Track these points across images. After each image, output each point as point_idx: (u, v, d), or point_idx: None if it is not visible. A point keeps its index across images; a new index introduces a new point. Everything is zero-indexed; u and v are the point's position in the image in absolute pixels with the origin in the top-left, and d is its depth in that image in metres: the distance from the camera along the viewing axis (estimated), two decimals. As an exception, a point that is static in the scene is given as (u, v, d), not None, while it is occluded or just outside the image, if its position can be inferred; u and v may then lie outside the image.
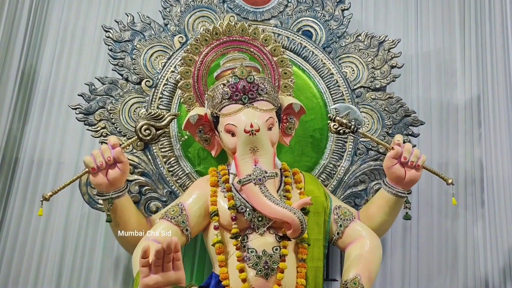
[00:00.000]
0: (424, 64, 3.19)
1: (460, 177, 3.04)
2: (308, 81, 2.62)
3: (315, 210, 2.15)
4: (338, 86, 2.63)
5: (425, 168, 2.19)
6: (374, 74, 2.63)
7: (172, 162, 2.49)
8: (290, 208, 1.92)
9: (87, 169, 2.02)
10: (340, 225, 2.18)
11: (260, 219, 2.06)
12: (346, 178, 2.57)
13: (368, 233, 2.14)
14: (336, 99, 2.62)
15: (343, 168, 2.56)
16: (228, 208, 2.09)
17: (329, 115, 2.31)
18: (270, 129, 2.12)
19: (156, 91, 2.51)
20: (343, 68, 2.65)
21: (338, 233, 2.18)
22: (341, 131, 2.27)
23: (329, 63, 2.64)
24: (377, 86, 2.61)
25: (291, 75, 2.37)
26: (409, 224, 2.93)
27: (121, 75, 2.47)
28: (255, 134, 2.03)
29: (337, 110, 2.30)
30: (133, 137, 2.14)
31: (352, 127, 2.26)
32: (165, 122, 2.22)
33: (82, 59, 2.99)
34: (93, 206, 2.40)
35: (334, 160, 2.57)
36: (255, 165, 2.03)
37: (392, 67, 2.62)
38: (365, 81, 2.64)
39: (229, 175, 2.18)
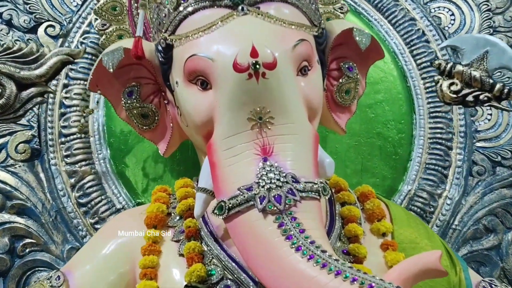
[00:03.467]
0: None
1: None
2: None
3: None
4: (426, 41, 1.48)
5: None
6: (493, 22, 1.53)
7: (87, 185, 1.31)
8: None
9: None
10: None
11: None
12: (456, 222, 1.39)
13: None
14: (423, 66, 1.47)
15: (448, 201, 1.39)
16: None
17: (436, 62, 1.06)
18: (303, 71, 0.92)
19: (67, 44, 1.39)
20: (433, 11, 1.52)
21: None
22: (469, 101, 1.04)
23: (406, 2, 1.52)
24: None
25: None
26: None
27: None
28: (264, 75, 0.83)
29: (457, 49, 1.07)
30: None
31: (501, 89, 1.01)
32: (44, 68, 0.95)
33: None
34: None
35: (430, 183, 1.39)
36: (265, 160, 0.83)
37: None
38: (476, 33, 1.53)
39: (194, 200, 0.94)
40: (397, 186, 1.37)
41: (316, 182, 0.82)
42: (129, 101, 1.01)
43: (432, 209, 1.35)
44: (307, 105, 0.89)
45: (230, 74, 0.82)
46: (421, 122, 1.38)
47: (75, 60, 1.00)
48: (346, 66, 1.05)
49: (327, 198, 0.86)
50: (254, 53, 0.81)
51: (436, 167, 1.37)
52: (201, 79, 0.88)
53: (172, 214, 1.04)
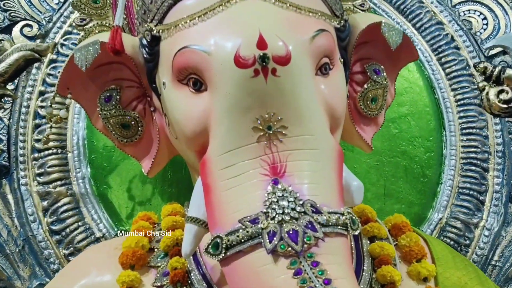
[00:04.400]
0: None
1: None
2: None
3: None
4: (456, 48, 1.34)
5: None
6: None
7: (62, 209, 1.14)
8: None
9: None
10: None
11: None
12: (496, 257, 1.22)
13: None
14: (453, 76, 1.32)
15: (486, 232, 1.23)
16: None
17: (481, 65, 0.95)
18: (324, 70, 0.73)
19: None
20: (462, 14, 1.38)
21: None
22: None
23: (432, 4, 1.38)
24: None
25: None
26: None
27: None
28: (274, 72, 0.65)
29: (507, 49, 1.00)
30: None
31: None
32: (2, 65, 0.85)
33: None
34: None
35: (464, 211, 1.23)
36: (276, 183, 0.63)
37: None
38: None
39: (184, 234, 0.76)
40: (426, 214, 1.23)
41: (342, 212, 0.63)
42: (106, 108, 0.83)
43: (467, 242, 1.19)
44: (328, 113, 0.72)
45: (231, 71, 0.65)
46: (452, 140, 1.24)
47: (45, 58, 0.84)
48: (372, 68, 0.88)
49: (357, 233, 0.67)
50: (262, 43, 0.64)
51: (471, 192, 1.22)
52: (193, 78, 0.71)
53: (156, 250, 0.86)
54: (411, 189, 1.23)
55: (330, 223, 0.62)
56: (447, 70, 1.30)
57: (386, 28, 0.84)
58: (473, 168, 1.23)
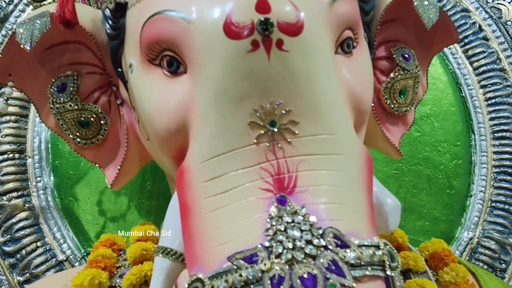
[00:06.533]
0: None
1: None
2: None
3: None
4: (484, 39, 1.17)
5: None
6: None
7: (18, 226, 0.95)
8: None
9: None
10: None
11: None
12: None
13: None
14: (482, 71, 1.15)
15: None
16: None
17: None
18: (347, 47, 0.55)
19: (4, 32, 1.07)
20: (490, 1, 1.22)
21: None
22: None
23: None
24: None
25: None
26: None
27: None
28: (281, 45, 0.45)
29: None
30: None
31: None
32: None
33: None
34: None
35: (499, 228, 1.06)
36: (282, 203, 0.42)
37: None
38: (551, 29, 1.30)
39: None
40: (454, 232, 1.06)
41: (378, 244, 0.44)
42: (60, 100, 0.65)
43: (503, 266, 1.02)
44: (353, 105, 0.53)
45: (220, 44, 0.47)
46: (483, 145, 1.09)
47: None
48: (401, 53, 0.71)
49: (396, 274, 0.49)
50: (262, 4, 0.46)
51: (506, 206, 1.06)
52: (168, 57, 0.53)
53: (112, 283, 0.67)
54: (435, 202, 1.08)
55: (363, 262, 0.43)
56: (475, 64, 1.15)
57: (419, 2, 0.67)
58: (508, 178, 1.08)
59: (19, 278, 0.90)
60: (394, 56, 0.70)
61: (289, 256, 0.42)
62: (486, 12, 1.18)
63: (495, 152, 1.08)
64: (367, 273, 0.42)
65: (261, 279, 0.41)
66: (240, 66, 0.46)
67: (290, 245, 0.42)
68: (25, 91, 0.67)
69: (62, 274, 0.79)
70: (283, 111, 0.47)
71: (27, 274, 0.90)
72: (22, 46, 0.60)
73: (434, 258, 0.72)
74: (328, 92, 0.49)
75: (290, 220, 0.43)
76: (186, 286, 0.44)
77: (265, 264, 0.41)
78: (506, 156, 1.08)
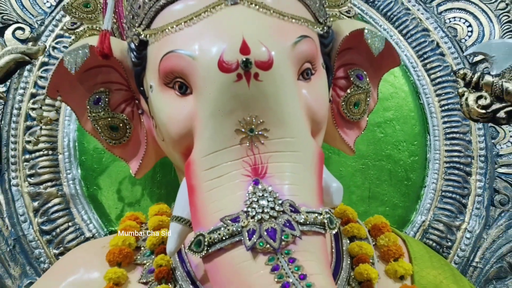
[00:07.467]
0: None
1: None
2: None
3: None
4: (441, 54, 1.33)
5: None
6: None
7: (53, 209, 1.13)
8: None
9: None
10: None
11: None
12: (477, 259, 1.22)
13: None
14: (438, 82, 1.31)
15: (468, 235, 1.22)
16: None
17: (461, 72, 0.92)
18: (306, 75, 0.74)
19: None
20: (448, 21, 1.37)
21: None
22: (500, 117, 0.90)
23: (419, 11, 1.37)
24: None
25: None
26: None
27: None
28: (257, 77, 0.66)
29: (486, 56, 0.94)
30: None
31: None
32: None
33: None
34: None
35: (447, 213, 1.22)
36: (257, 184, 0.65)
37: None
38: (496, 46, 1.38)
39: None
40: (410, 216, 1.21)
41: (320, 212, 0.65)
42: (95, 110, 0.83)
43: (449, 243, 1.18)
44: (309, 117, 0.73)
45: (215, 75, 0.66)
46: (436, 144, 1.24)
47: (35, 61, 0.85)
48: (355, 74, 0.88)
49: (334, 232, 0.69)
50: (245, 49, 0.65)
51: (454, 195, 1.21)
52: (179, 82, 0.72)
53: (142, 248, 0.87)
54: (395, 192, 1.22)
55: (308, 222, 0.63)
56: (432, 76, 1.29)
57: (369, 35, 0.84)
58: (456, 172, 1.22)
59: (54, 251, 1.10)
60: (350, 76, 0.87)
61: (259, 217, 0.62)
62: (443, 32, 1.31)
63: (446, 150, 1.22)
64: (311, 229, 0.63)
65: (241, 232, 0.62)
66: (228, 91, 0.66)
67: (260, 210, 0.62)
68: (69, 104, 0.86)
69: (99, 240, 0.99)
70: (259, 122, 0.66)
71: (61, 248, 1.10)
72: (68, 70, 0.78)
73: (374, 229, 0.92)
74: (291, 108, 0.68)
75: (261, 195, 0.64)
76: (193, 239, 0.64)
77: (244, 222, 0.62)
78: (456, 153, 1.22)
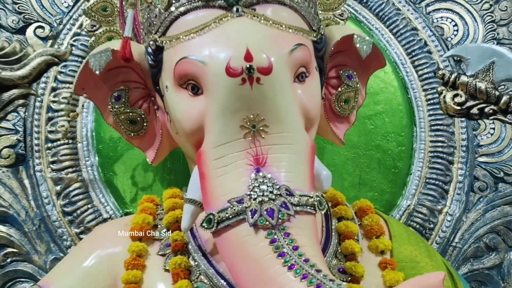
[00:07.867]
0: None
1: None
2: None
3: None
4: (428, 52, 1.41)
5: None
6: (497, 34, 1.45)
7: (74, 193, 1.23)
8: None
9: None
10: None
11: None
12: (456, 239, 1.32)
13: None
14: (425, 78, 1.40)
15: (449, 218, 1.31)
16: None
17: (440, 72, 0.98)
18: (301, 78, 0.86)
19: (57, 46, 1.31)
20: (435, 21, 1.45)
21: None
22: (473, 113, 0.98)
23: (408, 11, 1.44)
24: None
25: None
26: None
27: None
28: (258, 81, 0.77)
29: (462, 59, 1.01)
30: None
31: (507, 102, 0.95)
32: (27, 68, 0.89)
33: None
34: None
35: (430, 198, 1.32)
36: (258, 171, 0.77)
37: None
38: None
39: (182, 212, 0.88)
40: (396, 201, 1.30)
41: (311, 195, 0.76)
42: (116, 106, 0.94)
43: (432, 225, 1.28)
44: (303, 114, 0.84)
45: (223, 79, 0.77)
46: (422, 135, 1.32)
47: (63, 62, 0.94)
48: (346, 74, 0.99)
49: (323, 212, 0.81)
50: (248, 57, 0.76)
51: (437, 182, 1.30)
52: (192, 84, 0.82)
53: (159, 226, 0.98)
54: (383, 179, 1.30)
55: (301, 204, 0.75)
56: (419, 72, 1.36)
57: (357, 40, 0.94)
58: (440, 160, 1.30)
59: (75, 230, 1.20)
60: (341, 76, 0.98)
61: (260, 199, 0.74)
62: (431, 31, 1.39)
63: (431, 141, 1.31)
64: (303, 210, 0.74)
65: (245, 211, 0.73)
66: (234, 93, 0.77)
67: (261, 194, 0.74)
68: (93, 100, 0.97)
69: (122, 219, 1.10)
70: (260, 119, 0.77)
71: (82, 227, 1.20)
72: (93, 71, 0.89)
73: (359, 211, 1.03)
74: (287, 107, 0.79)
75: (262, 181, 0.75)
76: (204, 217, 0.76)
77: (247, 203, 0.73)
78: (439, 144, 1.30)
